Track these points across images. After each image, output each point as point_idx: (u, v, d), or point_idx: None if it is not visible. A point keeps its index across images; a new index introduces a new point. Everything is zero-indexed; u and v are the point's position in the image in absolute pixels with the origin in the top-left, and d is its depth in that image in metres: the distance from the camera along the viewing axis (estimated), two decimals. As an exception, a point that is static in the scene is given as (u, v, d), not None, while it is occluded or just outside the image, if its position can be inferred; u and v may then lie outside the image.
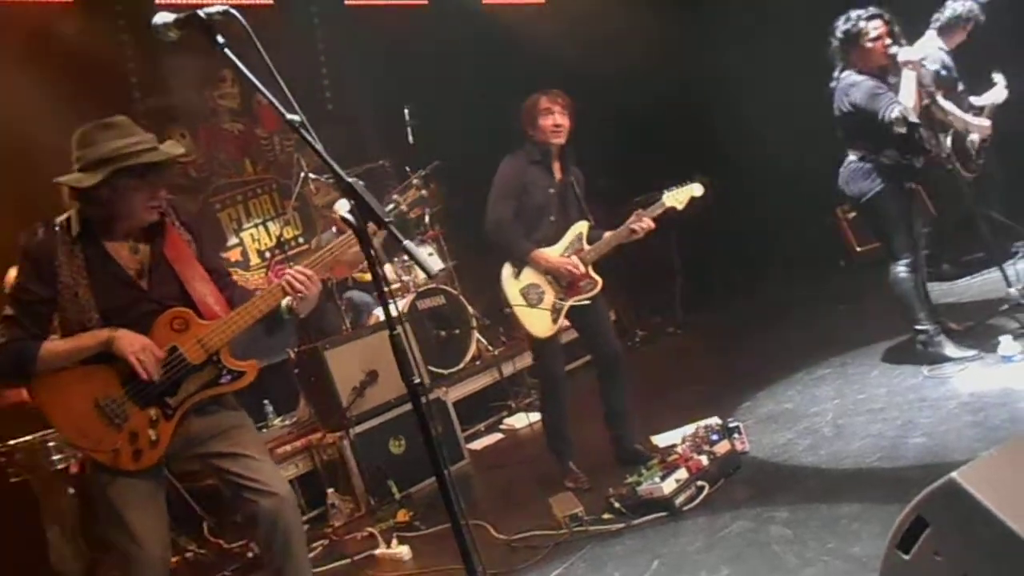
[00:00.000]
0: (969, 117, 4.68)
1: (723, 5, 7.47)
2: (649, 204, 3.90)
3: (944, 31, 4.92)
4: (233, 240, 6.93)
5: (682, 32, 7.63)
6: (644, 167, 6.96)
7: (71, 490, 3.85)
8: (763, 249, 7.73)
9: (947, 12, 4.91)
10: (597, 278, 3.88)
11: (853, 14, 3.99)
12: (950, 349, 3.93)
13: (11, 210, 4.84)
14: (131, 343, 2.35)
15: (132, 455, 2.37)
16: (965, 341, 4.03)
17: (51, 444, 3.81)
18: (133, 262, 2.49)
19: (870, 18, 3.93)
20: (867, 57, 3.95)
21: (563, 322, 3.87)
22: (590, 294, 3.86)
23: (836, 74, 4.08)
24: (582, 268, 3.81)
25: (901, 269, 4.00)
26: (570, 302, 3.83)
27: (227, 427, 2.56)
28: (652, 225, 3.82)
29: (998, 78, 5.01)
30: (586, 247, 3.88)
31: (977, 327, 4.26)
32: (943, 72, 4.76)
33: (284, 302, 2.52)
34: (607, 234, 3.88)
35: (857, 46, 3.96)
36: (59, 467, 3.83)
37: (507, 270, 3.83)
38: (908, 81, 3.85)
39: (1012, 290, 4.05)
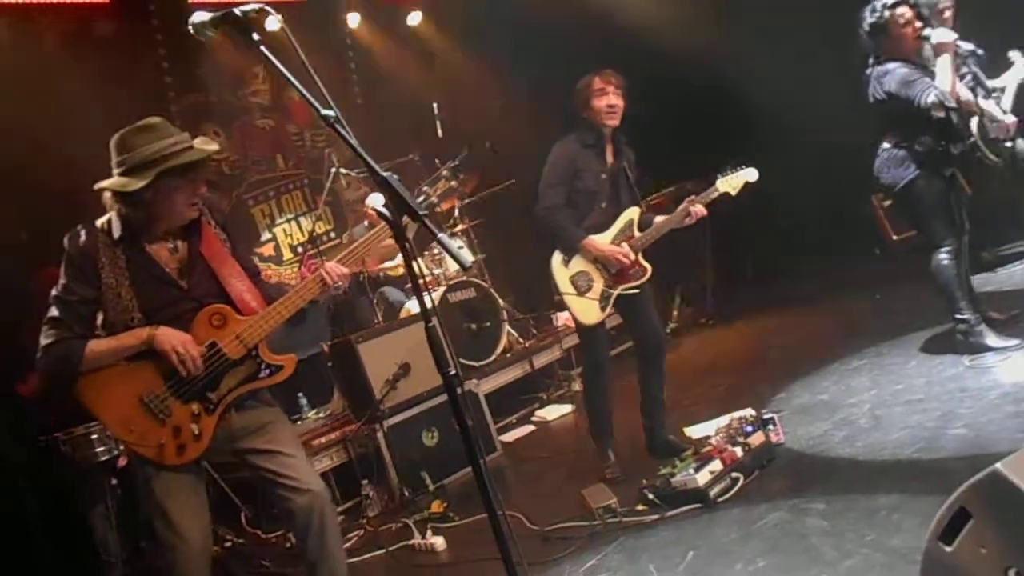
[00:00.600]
0: (990, 105, 4.50)
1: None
2: (697, 190, 3.85)
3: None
4: (266, 235, 7.03)
5: (716, 17, 7.53)
6: (677, 154, 6.92)
7: (114, 480, 3.96)
8: (798, 238, 7.62)
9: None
10: (647, 265, 3.84)
11: (878, 4, 3.92)
12: (991, 339, 3.84)
13: (49, 208, 4.96)
14: (171, 339, 2.41)
15: (176, 449, 2.43)
16: (1007, 330, 3.95)
17: (94, 436, 3.92)
18: (173, 261, 2.55)
19: (894, 5, 3.86)
20: (898, 45, 3.88)
21: (611, 310, 3.85)
22: (639, 282, 3.82)
23: (871, 62, 4.00)
24: (632, 256, 3.78)
25: (943, 256, 3.91)
26: (619, 290, 3.80)
27: (263, 423, 2.61)
28: (704, 212, 3.78)
29: (1015, 56, 4.81)
30: (637, 234, 3.84)
31: (1020, 316, 4.16)
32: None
33: None
34: (658, 219, 3.83)
35: (887, 35, 3.89)
36: (102, 459, 3.94)
37: (557, 257, 3.82)
38: (944, 64, 3.75)
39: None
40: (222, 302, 2.55)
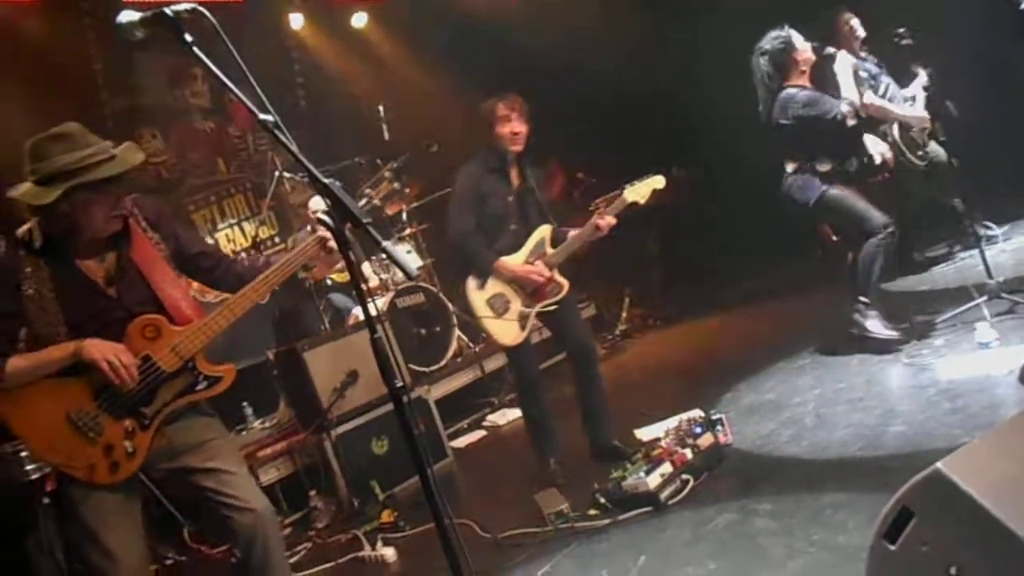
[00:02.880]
0: (906, 109, 4.83)
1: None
2: (611, 201, 3.86)
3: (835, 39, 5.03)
4: (208, 241, 6.83)
5: (655, 23, 7.63)
6: (619, 160, 6.98)
7: (46, 501, 3.77)
8: (741, 239, 7.76)
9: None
10: (563, 281, 3.85)
11: (774, 33, 4.28)
12: (873, 324, 4.14)
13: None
14: (101, 349, 2.28)
15: (108, 468, 2.32)
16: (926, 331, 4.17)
17: (24, 455, 3.73)
18: (100, 270, 2.43)
19: (791, 29, 4.25)
20: (798, 69, 4.22)
21: (531, 327, 3.87)
22: (556, 298, 3.84)
23: (773, 87, 4.27)
24: (547, 273, 3.80)
25: (875, 241, 4.09)
26: (536, 308, 3.82)
27: (202, 440, 2.51)
28: (614, 221, 3.78)
29: (918, 69, 5.12)
30: (549, 251, 3.86)
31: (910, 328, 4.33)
32: (863, 75, 4.91)
33: None
34: (571, 234, 3.85)
35: (790, 58, 4.21)
36: (33, 478, 3.75)
37: (472, 282, 3.81)
38: (844, 75, 4.07)
39: (991, 281, 4.10)
40: (154, 310, 2.44)
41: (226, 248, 6.93)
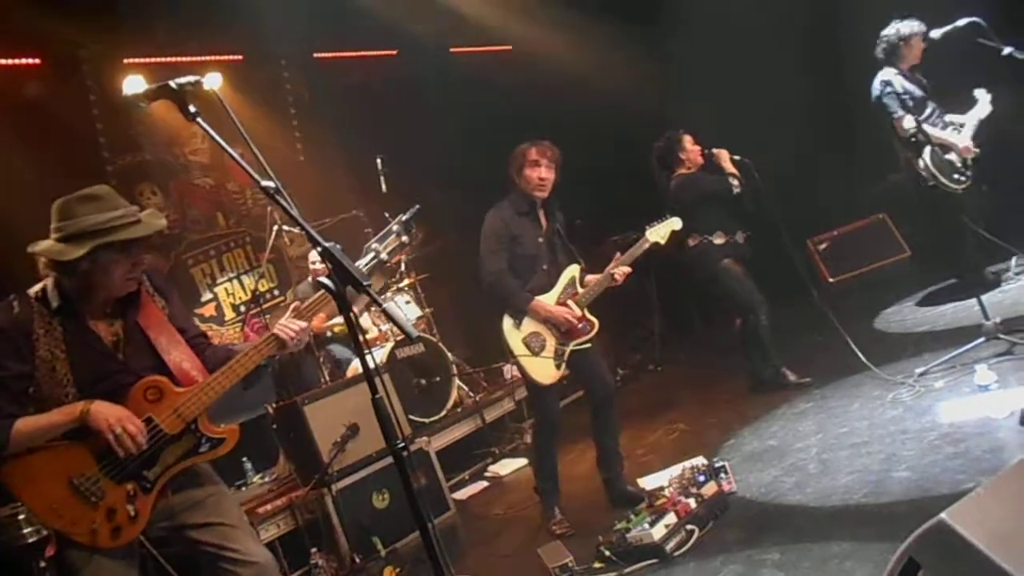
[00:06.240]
0: (945, 134, 4.93)
1: (689, 43, 7.65)
2: (630, 243, 4.01)
3: (890, 58, 5.12)
4: (207, 295, 6.85)
5: (648, 71, 7.79)
6: (617, 207, 7.05)
7: (42, 564, 3.72)
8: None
9: (884, 40, 5.16)
10: (594, 320, 3.91)
11: (667, 135, 5.12)
12: (785, 380, 4.91)
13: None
14: (107, 416, 2.28)
15: (111, 532, 2.30)
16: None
17: (21, 517, 3.69)
18: (110, 333, 2.45)
19: (684, 134, 5.08)
20: (689, 160, 5.03)
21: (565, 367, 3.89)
22: (589, 336, 3.89)
23: (665, 178, 5.06)
24: (579, 313, 3.86)
25: (763, 320, 4.93)
26: (571, 346, 3.86)
27: (202, 497, 2.50)
28: (629, 270, 3.92)
29: (980, 94, 5.13)
30: (580, 291, 3.93)
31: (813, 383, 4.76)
32: (905, 97, 4.99)
33: None
34: (591, 279, 3.93)
35: (681, 151, 5.03)
36: (31, 540, 3.71)
37: (508, 322, 3.84)
38: (725, 163, 4.94)
39: (988, 322, 4.11)
40: (160, 374, 2.44)
41: (225, 302, 6.95)
